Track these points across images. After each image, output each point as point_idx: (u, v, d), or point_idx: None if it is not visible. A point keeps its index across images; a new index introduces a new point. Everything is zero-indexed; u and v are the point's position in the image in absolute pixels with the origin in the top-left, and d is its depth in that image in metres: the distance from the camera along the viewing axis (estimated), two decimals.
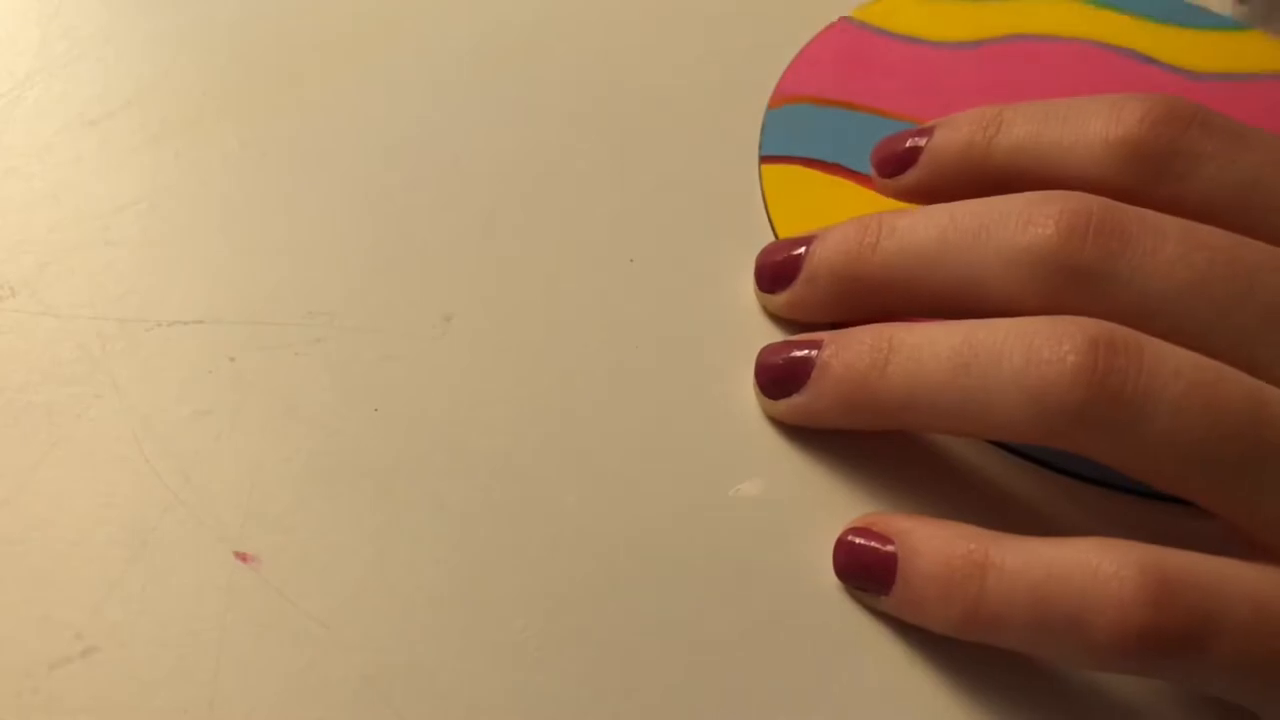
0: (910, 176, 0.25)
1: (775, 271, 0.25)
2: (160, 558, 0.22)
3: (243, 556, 0.22)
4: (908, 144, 0.26)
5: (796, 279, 0.25)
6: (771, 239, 0.27)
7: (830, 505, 0.23)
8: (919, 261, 0.23)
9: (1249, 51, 0.32)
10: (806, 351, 0.23)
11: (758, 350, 0.25)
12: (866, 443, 0.24)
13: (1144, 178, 0.22)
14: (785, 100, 0.30)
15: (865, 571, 0.22)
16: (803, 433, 0.24)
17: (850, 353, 0.23)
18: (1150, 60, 0.32)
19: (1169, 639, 0.18)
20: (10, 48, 0.30)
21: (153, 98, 0.30)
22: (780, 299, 0.25)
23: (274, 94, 0.30)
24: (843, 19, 0.33)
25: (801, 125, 0.30)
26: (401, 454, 0.24)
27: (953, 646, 0.21)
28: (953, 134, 0.25)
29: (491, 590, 0.22)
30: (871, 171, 0.26)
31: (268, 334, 0.25)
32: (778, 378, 0.24)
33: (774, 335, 0.25)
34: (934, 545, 0.21)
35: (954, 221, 0.23)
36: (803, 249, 0.25)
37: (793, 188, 0.28)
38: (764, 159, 0.29)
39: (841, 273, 0.24)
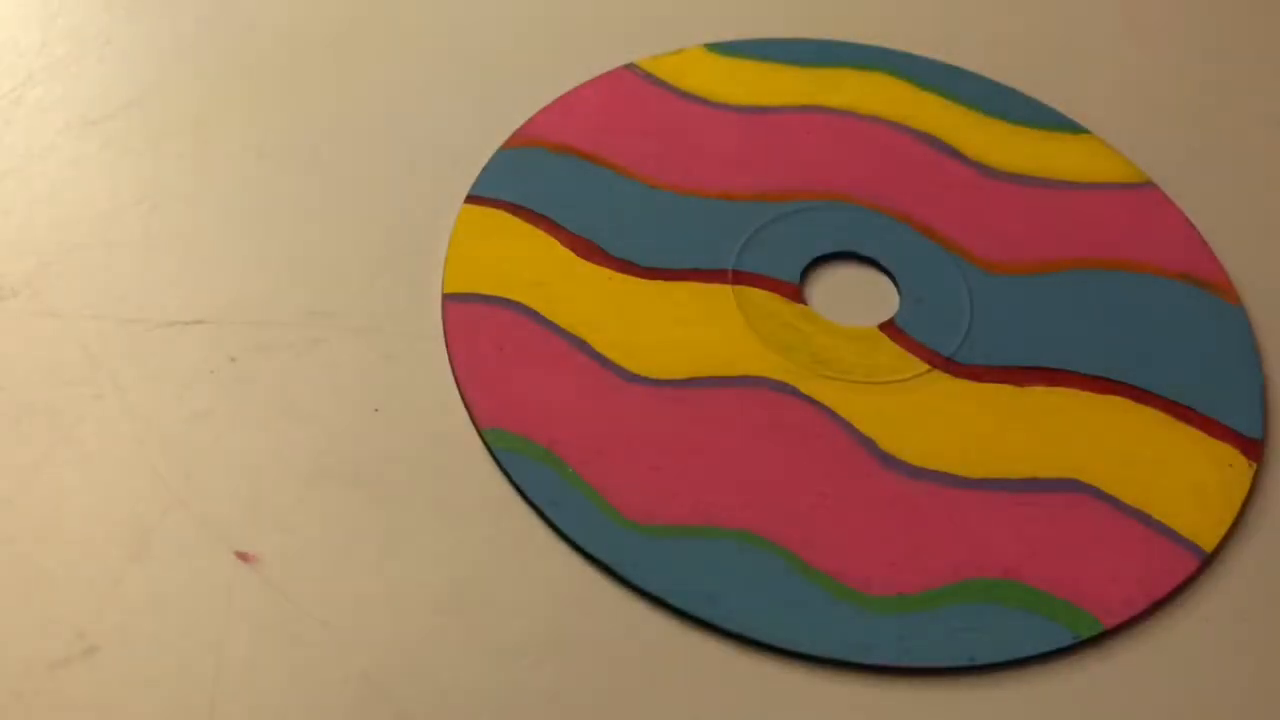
0: None
1: None
2: (160, 558, 0.22)
3: (243, 556, 0.22)
4: None
5: None
6: (439, 281, 0.26)
7: None
8: None
9: (1069, 155, 0.30)
10: None
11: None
12: None
13: None
14: (521, 142, 0.29)
15: None
16: None
17: None
18: (951, 151, 0.30)
19: None
20: (12, 49, 0.30)
21: (153, 98, 0.30)
22: None
23: (274, 94, 0.30)
24: (626, 67, 0.31)
25: (525, 170, 0.28)
26: (401, 454, 0.24)
27: None
28: None
29: (491, 590, 0.22)
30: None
31: (268, 334, 0.25)
32: None
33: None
34: None
35: None
36: None
37: (484, 232, 0.27)
38: (469, 199, 0.28)
39: None
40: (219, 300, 0.26)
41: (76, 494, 0.23)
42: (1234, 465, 0.24)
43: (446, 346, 0.25)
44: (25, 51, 0.30)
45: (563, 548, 0.22)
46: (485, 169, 0.28)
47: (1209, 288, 0.27)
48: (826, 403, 0.25)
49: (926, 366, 0.25)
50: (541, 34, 0.32)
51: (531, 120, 0.29)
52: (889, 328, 0.26)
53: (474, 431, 0.24)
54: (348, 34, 0.32)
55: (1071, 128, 0.30)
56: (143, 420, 0.24)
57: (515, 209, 0.28)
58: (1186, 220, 0.28)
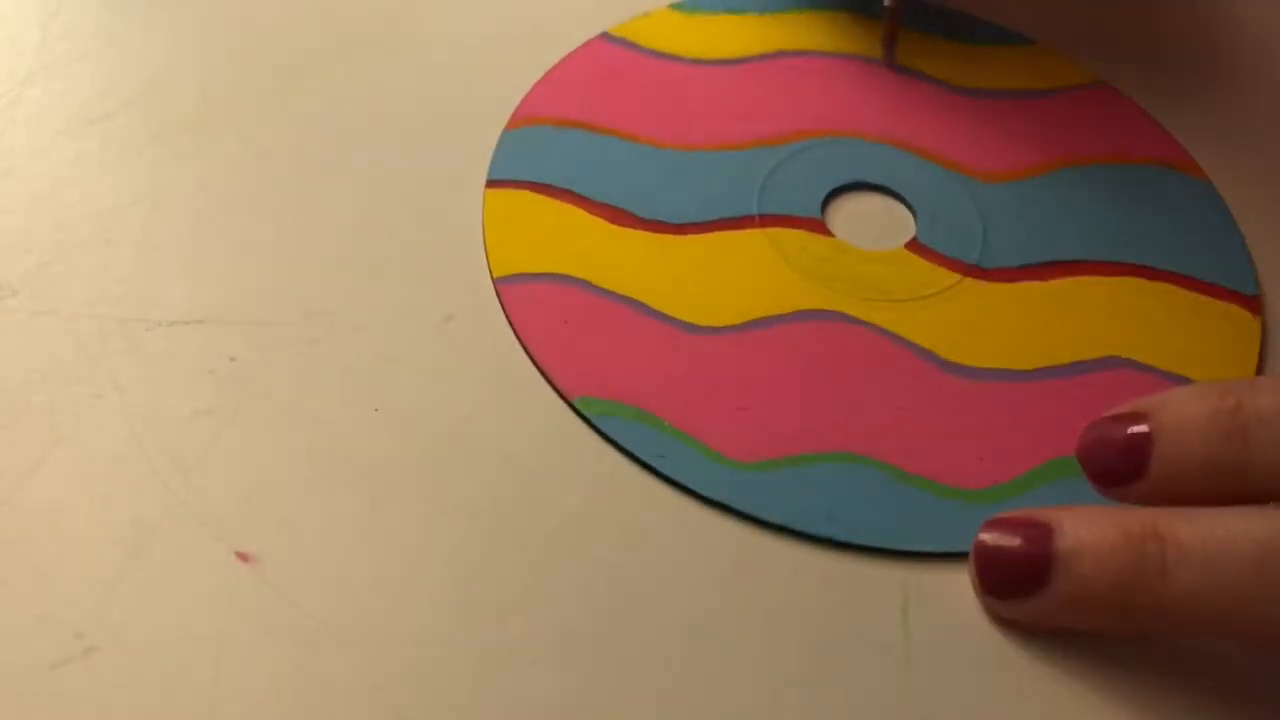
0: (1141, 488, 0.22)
1: (1010, 576, 0.22)
2: (160, 558, 0.22)
3: (243, 556, 0.22)
4: (1127, 433, 0.22)
5: (1043, 590, 0.21)
6: (485, 268, 0.26)
7: None
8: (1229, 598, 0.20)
9: (1026, 67, 0.32)
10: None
11: None
12: None
13: None
14: (523, 122, 0.29)
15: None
16: None
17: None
18: (924, 76, 0.31)
19: None
20: (11, 48, 0.30)
21: (153, 98, 0.30)
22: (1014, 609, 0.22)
23: (274, 94, 0.30)
24: (600, 36, 0.32)
25: (535, 148, 0.29)
26: (401, 454, 0.24)
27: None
28: (1185, 444, 0.21)
29: (492, 590, 0.22)
30: (1089, 481, 0.22)
31: (268, 334, 0.25)
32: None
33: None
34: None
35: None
36: (1047, 547, 0.21)
37: (515, 214, 0.27)
38: (490, 183, 0.28)
39: (1113, 600, 0.20)
40: (219, 300, 0.26)
41: (76, 494, 0.23)
42: (1243, 320, 0.27)
43: (513, 328, 0.25)
44: (25, 51, 0.30)
45: (671, 496, 0.23)
46: (496, 152, 0.29)
47: (1177, 167, 0.30)
48: (879, 323, 0.26)
49: (958, 276, 0.27)
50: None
51: (525, 100, 0.30)
52: (914, 246, 0.28)
53: (561, 404, 0.24)
54: (347, 34, 0.31)
55: (1022, 40, 0.33)
56: (143, 420, 0.24)
57: (537, 187, 0.28)
58: (1142, 110, 0.31)
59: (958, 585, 0.22)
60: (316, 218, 0.27)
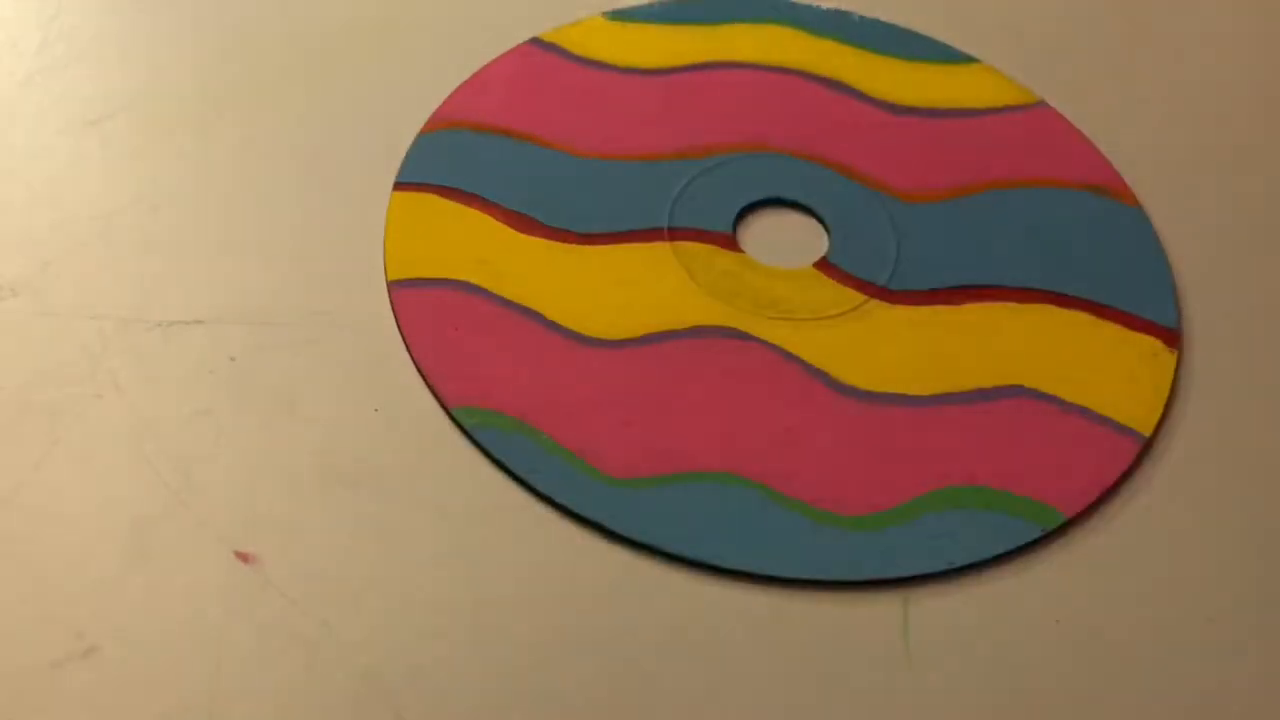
0: None
1: None
2: (160, 558, 0.22)
3: (243, 556, 0.22)
4: None
5: None
6: (381, 272, 0.26)
7: None
8: None
9: (964, 85, 0.31)
10: None
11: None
12: None
13: None
14: (440, 125, 0.29)
15: None
16: None
17: None
18: (855, 93, 0.31)
19: None
20: (11, 49, 0.30)
21: (152, 99, 0.30)
22: None
23: (274, 94, 0.30)
24: (530, 41, 0.31)
25: (449, 152, 0.28)
26: (401, 454, 0.24)
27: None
28: None
29: (492, 590, 0.22)
30: None
31: (268, 334, 0.25)
32: None
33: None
34: None
35: None
36: None
37: (418, 218, 0.27)
38: (397, 186, 0.28)
39: None
40: (219, 300, 0.26)
41: (76, 494, 0.23)
42: (1157, 354, 0.26)
43: (401, 333, 0.25)
44: (24, 52, 0.30)
45: (548, 513, 0.23)
46: (408, 155, 0.28)
47: (1109, 193, 0.29)
48: (776, 342, 0.26)
49: (864, 298, 0.27)
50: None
51: (446, 102, 0.30)
52: (823, 265, 0.27)
53: (442, 414, 0.24)
54: (349, 34, 0.31)
55: (961, 58, 0.32)
56: (143, 420, 0.24)
57: (445, 191, 0.28)
58: (1080, 134, 0.30)
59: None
60: (316, 217, 0.27)
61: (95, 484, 0.23)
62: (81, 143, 0.28)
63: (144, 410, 0.24)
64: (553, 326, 0.25)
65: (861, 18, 0.32)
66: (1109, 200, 0.29)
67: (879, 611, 0.22)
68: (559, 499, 0.23)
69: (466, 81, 0.30)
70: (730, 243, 0.27)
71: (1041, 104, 0.31)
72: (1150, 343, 0.26)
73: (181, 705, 0.20)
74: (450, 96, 0.30)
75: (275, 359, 0.25)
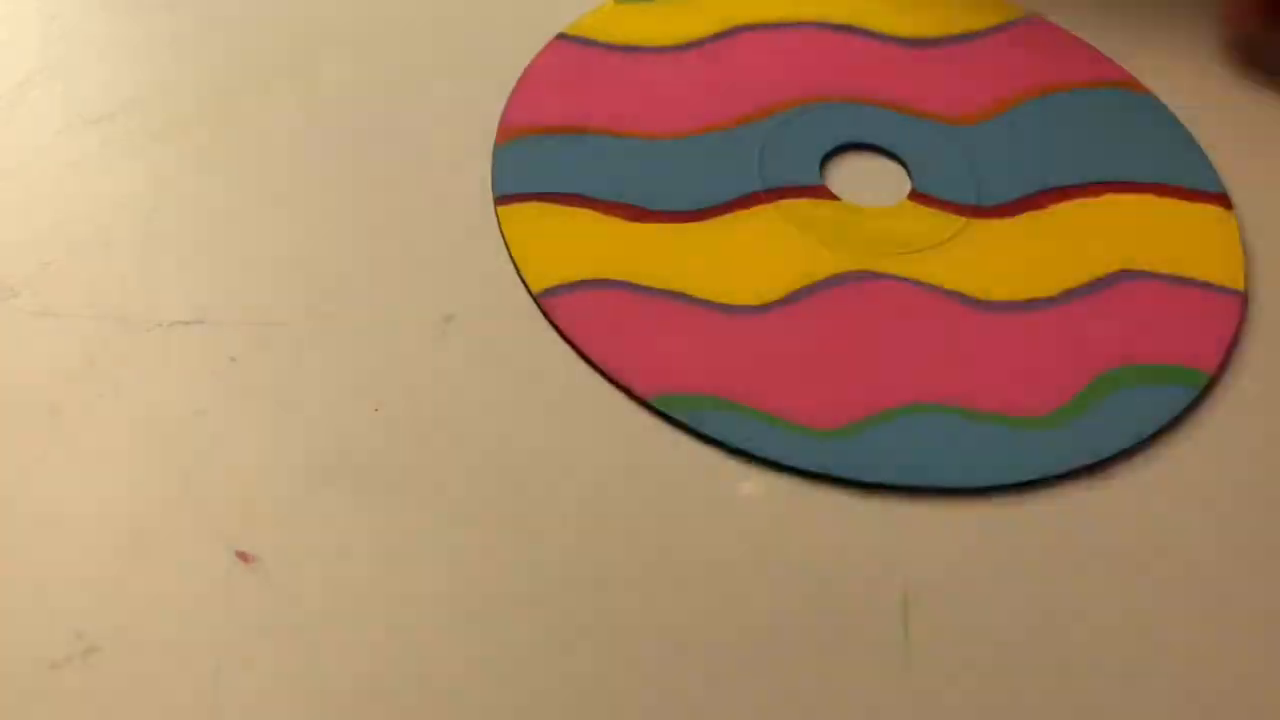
0: None
1: None
2: (160, 558, 0.22)
3: (243, 556, 0.22)
4: None
5: None
6: (518, 283, 0.26)
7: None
8: None
9: (959, 11, 0.33)
10: None
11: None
12: None
13: None
14: (511, 135, 0.29)
15: None
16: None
17: None
18: (869, 34, 0.32)
19: None
20: (11, 48, 0.30)
21: (152, 98, 0.30)
22: None
23: (274, 93, 0.30)
24: (558, 37, 0.32)
25: (531, 159, 0.29)
26: (401, 454, 0.24)
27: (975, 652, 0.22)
28: None
29: (492, 590, 0.22)
30: None
31: (268, 334, 0.25)
32: None
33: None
34: None
35: None
36: None
37: (532, 227, 0.27)
38: (498, 200, 0.28)
39: None
40: (219, 300, 0.26)
41: (76, 494, 0.23)
42: (1221, 219, 0.28)
43: (568, 341, 0.25)
44: (24, 51, 0.30)
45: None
46: (494, 168, 0.29)
47: (1121, 85, 0.32)
48: (908, 275, 0.27)
49: (963, 219, 0.28)
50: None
51: (506, 112, 0.30)
52: (916, 197, 0.29)
53: (633, 406, 0.24)
54: (349, 34, 0.32)
55: None
56: (143, 420, 0.24)
57: (545, 197, 0.28)
58: (1075, 36, 0.33)
59: (957, 585, 0.23)
60: (316, 217, 0.27)
61: (95, 484, 0.23)
62: (81, 143, 0.28)
63: (144, 410, 0.24)
64: (702, 303, 0.26)
65: None
66: (1125, 92, 0.31)
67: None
68: (787, 460, 0.24)
69: (516, 88, 0.30)
70: (825, 192, 0.29)
71: (1031, 16, 0.33)
72: (1212, 210, 0.29)
73: (181, 705, 0.20)
74: (506, 107, 0.30)
75: (275, 359, 0.25)
